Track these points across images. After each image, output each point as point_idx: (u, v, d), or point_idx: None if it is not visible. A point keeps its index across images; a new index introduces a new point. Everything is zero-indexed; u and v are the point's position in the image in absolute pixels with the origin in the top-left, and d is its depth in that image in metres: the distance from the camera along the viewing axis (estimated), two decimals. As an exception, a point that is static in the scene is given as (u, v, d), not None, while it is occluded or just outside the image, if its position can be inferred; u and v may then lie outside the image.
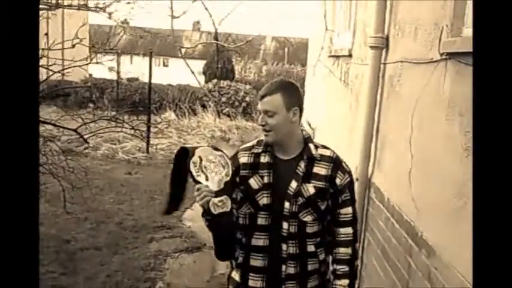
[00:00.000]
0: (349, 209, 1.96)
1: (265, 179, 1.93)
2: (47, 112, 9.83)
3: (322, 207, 1.93)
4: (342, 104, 4.06)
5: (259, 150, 1.97)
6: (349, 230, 1.96)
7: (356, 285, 2.99)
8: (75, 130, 3.37)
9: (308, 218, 1.92)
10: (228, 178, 1.84)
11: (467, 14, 1.81)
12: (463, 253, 1.60)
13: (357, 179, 2.90)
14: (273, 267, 1.93)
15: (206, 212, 1.81)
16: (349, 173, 1.98)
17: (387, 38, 2.79)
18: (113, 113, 10.62)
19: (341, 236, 1.96)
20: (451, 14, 1.86)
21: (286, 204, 1.90)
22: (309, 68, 7.46)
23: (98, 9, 3.02)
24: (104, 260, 4.56)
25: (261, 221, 1.93)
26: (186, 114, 13.56)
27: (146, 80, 11.25)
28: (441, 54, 1.92)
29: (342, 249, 1.95)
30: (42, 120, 3.29)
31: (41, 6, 2.79)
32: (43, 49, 2.90)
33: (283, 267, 1.92)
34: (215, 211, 1.78)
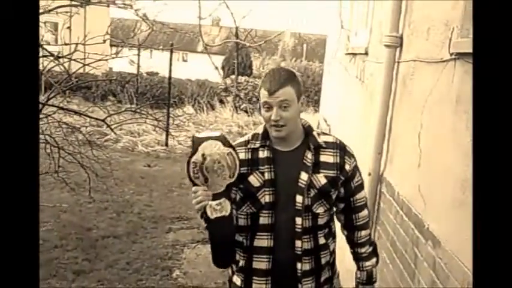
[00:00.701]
0: (363, 193, 1.96)
1: (266, 175, 1.82)
2: (70, 104, 10.09)
3: (333, 197, 1.88)
4: (357, 101, 4.13)
5: (257, 145, 1.86)
6: (366, 212, 1.98)
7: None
8: (103, 120, 3.53)
9: (320, 210, 1.85)
10: (232, 180, 1.72)
11: (477, 16, 1.89)
12: (466, 244, 1.68)
13: (369, 174, 2.98)
14: (277, 268, 1.85)
15: (203, 216, 1.73)
16: (354, 156, 1.93)
17: (401, 37, 2.86)
18: (134, 106, 10.84)
19: (360, 219, 1.96)
20: (460, 16, 1.93)
21: (299, 198, 1.81)
22: (326, 65, 7.53)
23: (126, 6, 3.15)
24: (124, 248, 4.74)
25: (263, 220, 1.83)
26: (204, 109, 13.72)
27: (165, 74, 11.45)
28: (451, 54, 2.00)
29: (363, 232, 1.97)
30: (71, 109, 3.45)
31: (72, 2, 2.94)
32: (76, 44, 3.05)
33: (299, 265, 1.84)
34: (212, 215, 1.67)
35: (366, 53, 3.90)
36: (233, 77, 16.09)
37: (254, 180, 1.84)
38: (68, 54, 3.00)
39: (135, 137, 9.72)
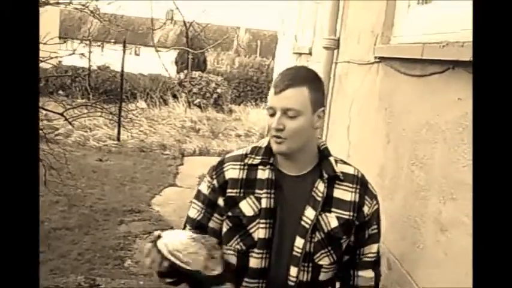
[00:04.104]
0: (375, 247, 1.50)
1: (264, 203, 1.40)
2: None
3: (344, 246, 1.45)
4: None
5: (257, 161, 1.45)
6: (371, 273, 1.50)
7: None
8: (61, 114, 3.60)
9: (325, 261, 1.43)
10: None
11: (395, 24, 2.18)
12: (383, 225, 1.97)
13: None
14: None
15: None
16: (377, 198, 1.51)
17: (339, 40, 3.15)
18: (84, 100, 10.75)
19: (360, 279, 1.50)
20: (382, 24, 2.22)
21: (299, 242, 1.39)
22: (277, 62, 7.81)
23: (84, 8, 3.24)
24: (76, 239, 4.81)
25: (254, 262, 1.41)
26: (157, 104, 13.72)
27: (117, 68, 11.39)
28: (375, 58, 2.29)
29: None
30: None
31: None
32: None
33: None
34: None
35: (310, 53, 4.19)
36: (186, 72, 16.15)
37: (247, 207, 1.42)
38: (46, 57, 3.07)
39: (86, 132, 9.65)
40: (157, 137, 10.16)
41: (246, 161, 1.46)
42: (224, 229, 1.47)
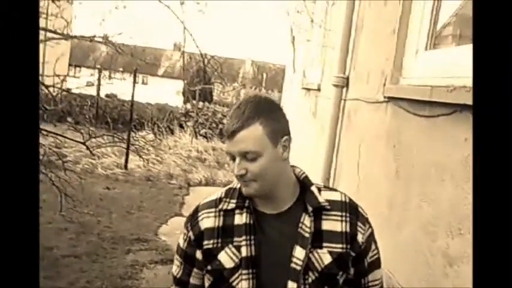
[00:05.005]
0: (379, 272, 1.42)
1: (244, 251, 1.28)
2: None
3: (341, 281, 1.33)
4: (310, 132, 4.54)
5: (232, 206, 1.33)
6: None
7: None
8: (83, 143, 3.72)
9: None
10: None
11: (404, 67, 2.31)
12: (388, 252, 2.05)
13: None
14: None
15: None
16: (369, 221, 1.41)
17: (348, 79, 3.28)
18: (92, 128, 10.89)
19: None
20: (392, 66, 2.35)
21: (292, 286, 1.26)
22: (284, 96, 7.98)
23: (108, 42, 3.41)
24: (84, 267, 4.86)
25: None
26: (163, 133, 13.88)
27: (124, 97, 11.57)
28: (384, 97, 2.41)
29: None
30: (52, 132, 3.62)
31: (55, 36, 3.17)
32: (65, 75, 3.26)
33: None
34: None
35: (319, 89, 4.33)
36: (194, 102, 16.38)
37: (226, 258, 1.30)
38: (58, 83, 3.23)
39: (94, 160, 9.76)
40: (164, 166, 10.26)
41: (220, 206, 1.35)
42: (206, 284, 1.36)
